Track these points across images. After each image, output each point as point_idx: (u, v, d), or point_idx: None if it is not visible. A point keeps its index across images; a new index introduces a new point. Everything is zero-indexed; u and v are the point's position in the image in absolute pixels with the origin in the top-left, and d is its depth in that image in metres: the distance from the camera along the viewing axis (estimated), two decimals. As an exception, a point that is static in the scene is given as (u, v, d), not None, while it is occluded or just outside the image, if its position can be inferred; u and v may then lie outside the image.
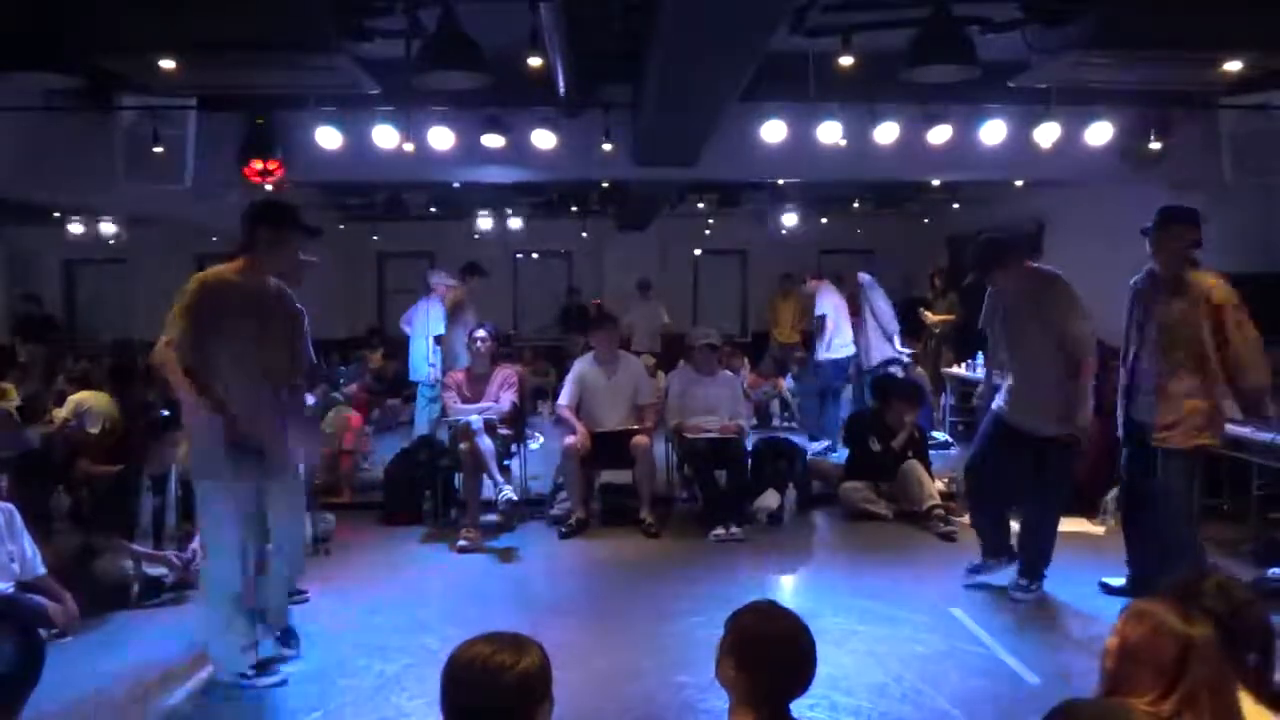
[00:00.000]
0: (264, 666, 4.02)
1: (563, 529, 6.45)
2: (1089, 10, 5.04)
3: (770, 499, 6.73)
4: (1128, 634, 2.11)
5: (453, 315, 8.92)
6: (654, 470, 6.70)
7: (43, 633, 4.01)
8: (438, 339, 8.82)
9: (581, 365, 7.07)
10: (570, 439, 6.56)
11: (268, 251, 4.09)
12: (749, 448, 7.09)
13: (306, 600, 4.99)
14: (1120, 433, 5.00)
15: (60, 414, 7.59)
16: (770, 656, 2.13)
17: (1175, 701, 1.97)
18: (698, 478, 6.76)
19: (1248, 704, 2.10)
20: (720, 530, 6.28)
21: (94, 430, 7.09)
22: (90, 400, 7.47)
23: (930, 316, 10.70)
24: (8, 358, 11.34)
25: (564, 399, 6.94)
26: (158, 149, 6.97)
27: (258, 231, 4.07)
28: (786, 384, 11.23)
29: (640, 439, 6.60)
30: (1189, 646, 2.01)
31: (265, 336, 4.08)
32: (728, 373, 7.44)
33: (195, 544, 5.20)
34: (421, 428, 8.63)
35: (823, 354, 9.27)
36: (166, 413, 5.45)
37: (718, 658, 2.18)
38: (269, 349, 4.09)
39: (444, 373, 8.50)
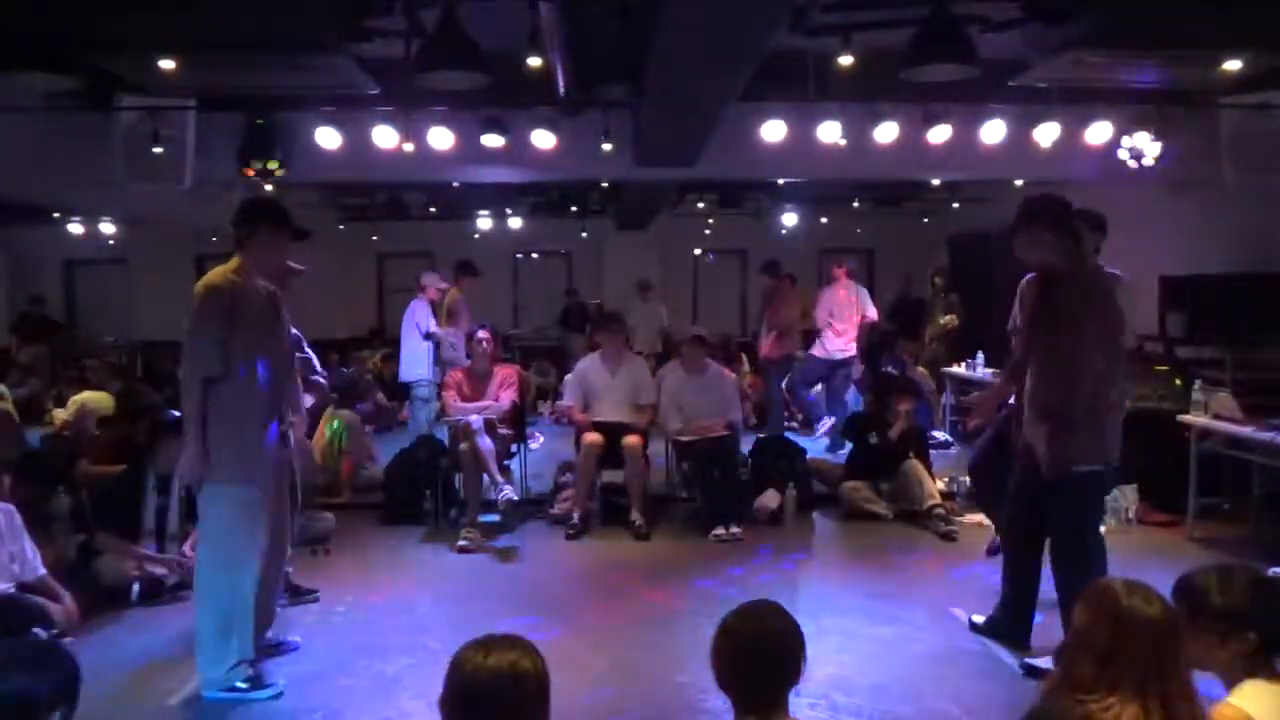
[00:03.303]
0: (256, 680, 3.90)
1: (569, 528, 6.43)
2: (1088, 10, 5.04)
3: (770, 499, 6.73)
4: (1076, 616, 2.09)
5: (450, 317, 8.89)
6: (644, 471, 6.66)
7: (42, 632, 4.03)
8: (428, 336, 8.79)
9: (584, 363, 7.08)
10: (590, 436, 6.55)
11: (263, 251, 4.00)
12: (749, 447, 7.09)
13: (317, 599, 5.02)
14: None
15: (62, 415, 7.61)
16: (756, 655, 2.16)
17: (1109, 686, 1.92)
18: (697, 477, 6.75)
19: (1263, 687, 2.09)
20: (720, 530, 6.28)
21: (96, 431, 7.09)
22: (93, 400, 7.49)
23: (938, 322, 10.75)
24: (6, 359, 11.37)
25: (568, 398, 6.94)
26: (158, 149, 6.98)
27: (259, 230, 3.98)
28: (787, 383, 11.20)
29: (631, 439, 6.56)
30: (1122, 625, 1.97)
31: (276, 341, 4.06)
32: (718, 367, 7.39)
33: (188, 546, 5.21)
34: (421, 427, 8.61)
35: (816, 351, 9.40)
36: (176, 414, 5.44)
37: (711, 663, 2.21)
38: (281, 353, 4.09)
39: (438, 373, 8.48)
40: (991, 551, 5.52)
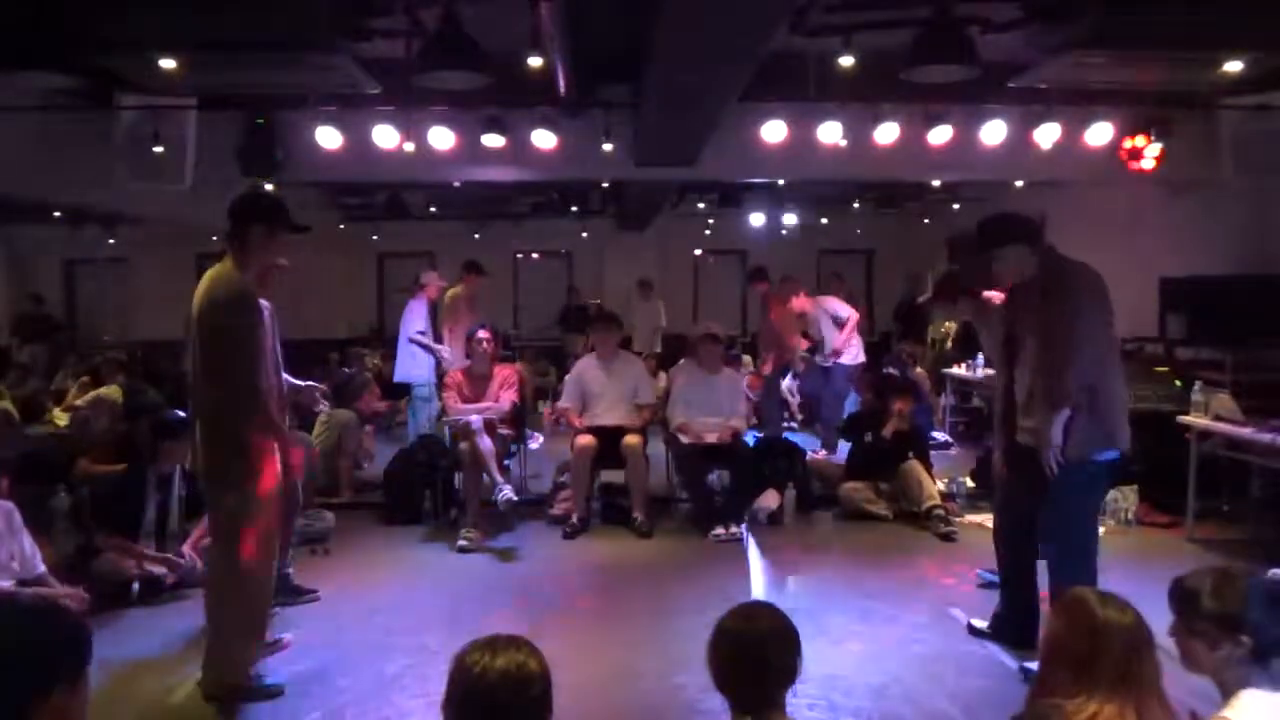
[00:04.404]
0: (256, 680, 3.89)
1: (567, 529, 6.43)
2: (1089, 10, 5.04)
3: (770, 499, 6.73)
4: (1051, 625, 2.12)
5: (451, 314, 8.88)
6: (645, 470, 6.66)
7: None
8: (421, 334, 8.76)
9: (581, 364, 7.09)
10: (583, 439, 6.55)
11: (257, 250, 3.89)
12: (749, 445, 7.09)
13: (317, 599, 5.02)
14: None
15: (78, 401, 7.65)
16: (752, 655, 2.16)
17: (1085, 692, 1.95)
18: (690, 482, 6.75)
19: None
20: (720, 530, 6.28)
21: (104, 426, 7.11)
22: (109, 395, 7.50)
23: (941, 325, 10.77)
24: (6, 359, 11.36)
25: (565, 400, 6.95)
26: (158, 149, 6.98)
27: (252, 229, 3.87)
28: (787, 384, 11.20)
29: (631, 439, 6.56)
30: (1098, 634, 2.00)
31: (273, 340, 4.06)
32: (731, 370, 7.42)
33: (188, 546, 5.21)
34: (420, 427, 8.59)
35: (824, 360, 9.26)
36: (182, 414, 5.44)
37: (707, 663, 2.21)
38: (275, 352, 4.08)
39: (437, 373, 8.46)
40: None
